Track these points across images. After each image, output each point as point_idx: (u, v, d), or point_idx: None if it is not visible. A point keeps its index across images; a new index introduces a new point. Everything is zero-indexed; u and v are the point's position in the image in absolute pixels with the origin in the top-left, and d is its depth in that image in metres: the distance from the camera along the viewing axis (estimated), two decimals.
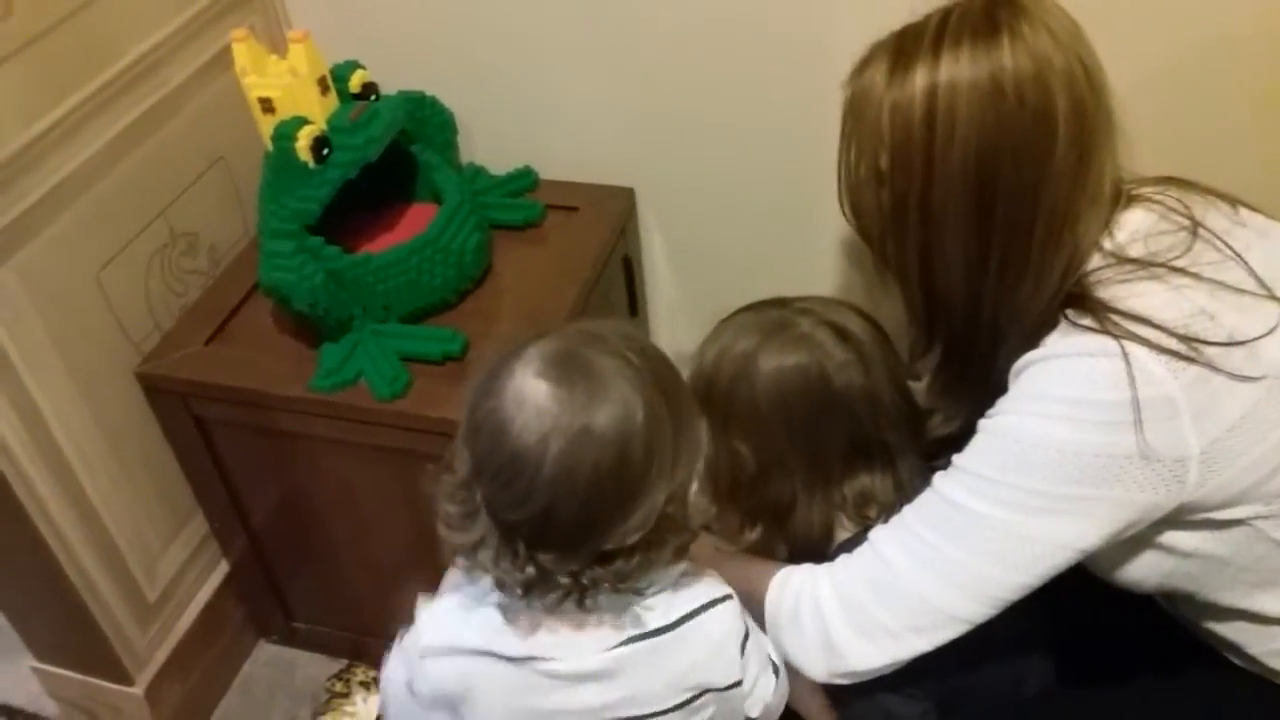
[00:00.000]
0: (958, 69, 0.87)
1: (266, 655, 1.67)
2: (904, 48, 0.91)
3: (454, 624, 0.90)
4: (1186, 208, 0.93)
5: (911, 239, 0.95)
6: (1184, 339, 0.85)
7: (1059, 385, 0.88)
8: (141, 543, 1.43)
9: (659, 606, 0.89)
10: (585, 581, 0.83)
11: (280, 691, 1.62)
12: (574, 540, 0.81)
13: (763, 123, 1.42)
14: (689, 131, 1.46)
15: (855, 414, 1.10)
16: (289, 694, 1.61)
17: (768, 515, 1.15)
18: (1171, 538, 0.93)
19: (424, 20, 1.47)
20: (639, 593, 0.88)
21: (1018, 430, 0.89)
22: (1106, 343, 0.86)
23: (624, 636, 0.88)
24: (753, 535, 1.15)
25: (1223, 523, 0.90)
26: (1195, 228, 0.92)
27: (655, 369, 0.84)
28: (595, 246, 1.44)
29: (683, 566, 0.91)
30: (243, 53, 1.24)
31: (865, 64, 0.94)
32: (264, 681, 1.64)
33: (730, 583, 1.07)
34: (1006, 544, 0.89)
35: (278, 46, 1.29)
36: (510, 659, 0.88)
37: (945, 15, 0.90)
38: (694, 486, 0.88)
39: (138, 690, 1.46)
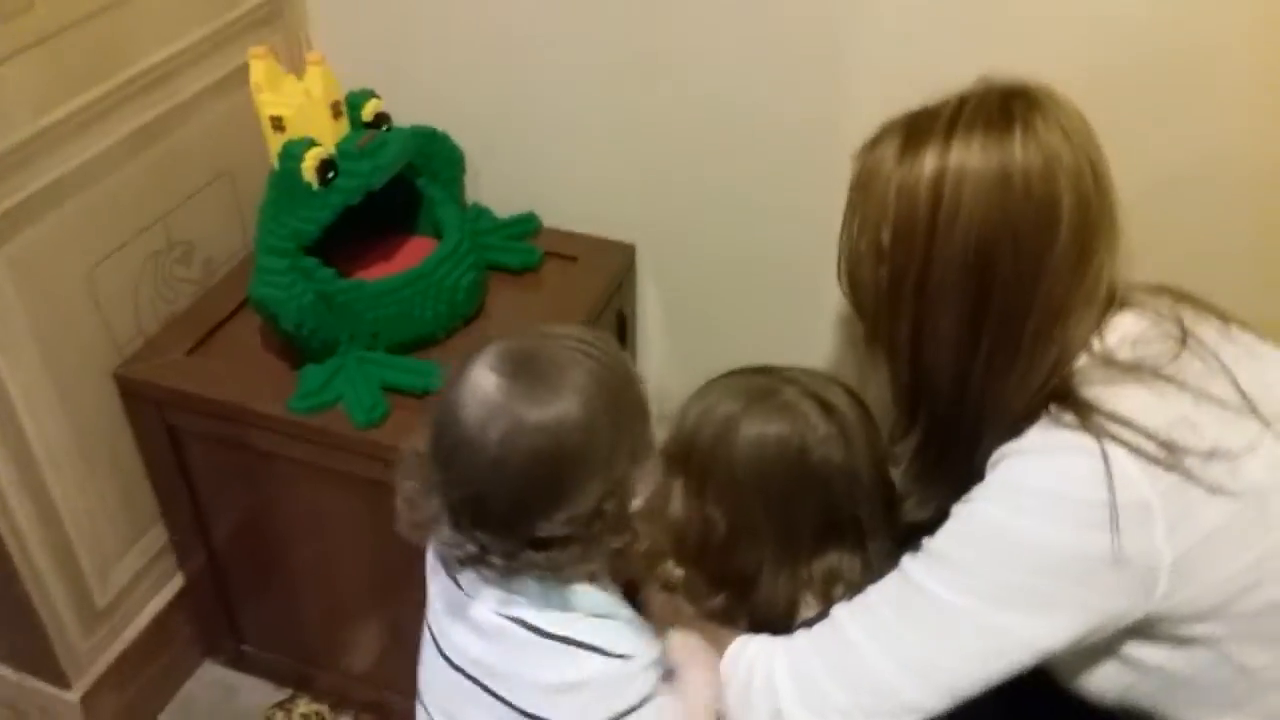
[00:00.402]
0: (968, 155, 0.88)
1: (211, 676, 1.63)
2: (916, 129, 0.92)
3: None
4: (1178, 317, 0.94)
5: (905, 316, 0.95)
6: (1164, 445, 0.84)
7: (1035, 478, 0.88)
8: (98, 546, 1.40)
9: (565, 620, 0.91)
10: (517, 563, 0.88)
11: (219, 715, 1.58)
12: (509, 522, 0.86)
13: (770, 195, 1.43)
14: (695, 195, 1.47)
15: (832, 490, 1.09)
16: (228, 717, 1.58)
17: (733, 583, 1.13)
18: (1135, 650, 0.92)
19: (445, 59, 1.49)
20: (567, 584, 0.91)
21: (990, 519, 0.88)
22: (1086, 441, 0.85)
23: (512, 614, 0.91)
24: (715, 602, 1.14)
25: (1188, 639, 0.89)
26: (1185, 337, 0.92)
27: (606, 366, 0.88)
28: (590, 298, 1.44)
29: (628, 612, 0.95)
30: (259, 69, 1.25)
31: (876, 141, 0.95)
32: (204, 702, 1.60)
33: (684, 646, 1.06)
34: (966, 634, 0.88)
35: (296, 68, 1.30)
36: (449, 576, 0.96)
37: (961, 102, 0.92)
38: (639, 488, 0.91)
39: (73, 696, 1.43)
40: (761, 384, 1.13)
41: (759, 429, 1.08)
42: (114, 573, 1.45)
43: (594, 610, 0.92)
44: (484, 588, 0.92)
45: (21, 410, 1.24)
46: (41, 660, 1.41)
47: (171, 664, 1.58)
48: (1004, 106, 0.90)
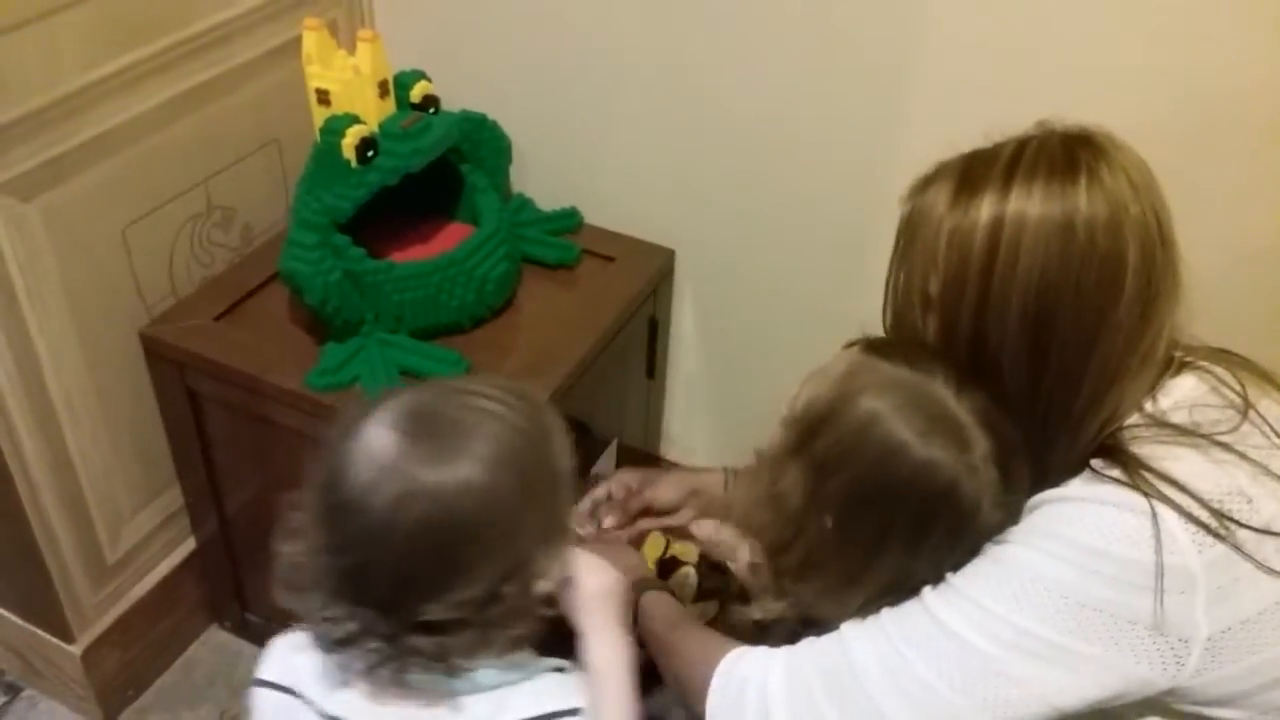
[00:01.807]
0: (1029, 203, 0.83)
1: (215, 641, 1.64)
2: (972, 173, 0.87)
3: (281, 659, 0.87)
4: (1240, 386, 0.89)
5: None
6: (1217, 514, 0.80)
7: (1075, 529, 0.83)
8: (112, 502, 1.41)
9: (486, 706, 0.81)
10: (401, 648, 0.78)
11: (220, 681, 1.59)
12: (392, 599, 0.77)
13: (818, 222, 1.40)
14: (740, 210, 1.45)
15: (952, 546, 0.89)
16: (227, 685, 1.58)
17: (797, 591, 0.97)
18: None
19: (501, 46, 1.47)
20: (456, 675, 0.80)
21: (1022, 564, 0.84)
22: (1135, 498, 0.81)
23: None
24: (774, 608, 0.99)
25: None
26: (1246, 408, 0.87)
27: (519, 430, 0.80)
28: (624, 300, 1.41)
29: (534, 660, 0.84)
30: (311, 41, 1.24)
31: (928, 183, 0.90)
32: (206, 667, 1.60)
33: (671, 648, 1.02)
34: (980, 678, 0.83)
35: (352, 44, 1.29)
36: (318, 711, 0.83)
37: (1021, 146, 0.87)
38: (548, 570, 0.82)
39: (76, 649, 1.44)
40: (914, 383, 0.90)
41: (925, 454, 0.86)
42: (126, 530, 1.45)
43: (507, 681, 0.82)
44: (370, 704, 0.81)
45: (44, 359, 1.24)
46: (47, 610, 1.42)
47: (177, 626, 1.58)
48: (1068, 153, 0.85)
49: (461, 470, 0.76)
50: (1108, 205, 0.83)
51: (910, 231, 0.91)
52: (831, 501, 0.89)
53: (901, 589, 0.89)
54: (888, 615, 0.90)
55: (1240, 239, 1.19)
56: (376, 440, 0.77)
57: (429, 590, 0.77)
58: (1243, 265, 1.19)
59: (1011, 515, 0.88)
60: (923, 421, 0.85)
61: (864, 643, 0.89)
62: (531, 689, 0.83)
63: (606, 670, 0.90)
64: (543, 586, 0.82)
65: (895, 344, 0.96)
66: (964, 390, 0.87)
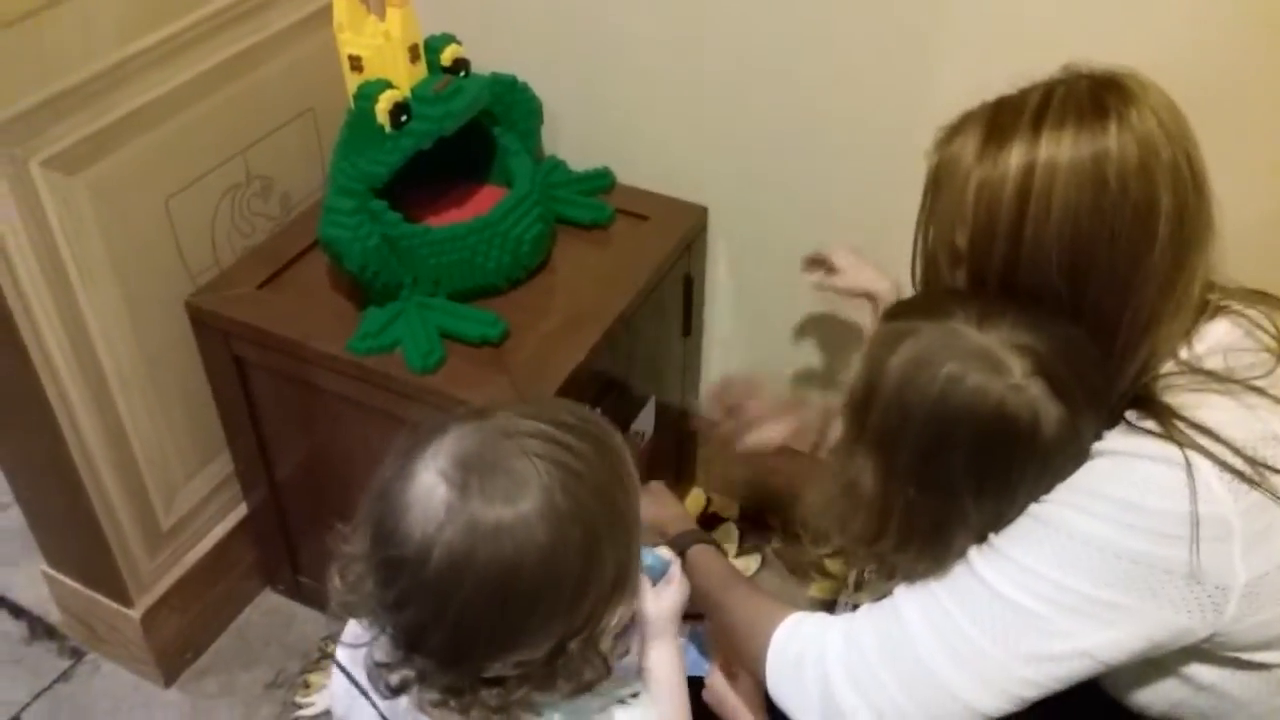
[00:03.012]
0: (1059, 150, 0.83)
1: (269, 604, 1.68)
2: (999, 122, 0.86)
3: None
4: (1276, 328, 0.88)
5: None
6: (1251, 461, 0.80)
7: (1112, 484, 0.83)
8: (165, 470, 1.44)
9: None
10: (461, 701, 0.76)
11: (275, 642, 1.63)
12: (452, 655, 0.74)
13: (851, 176, 1.39)
14: (774, 166, 1.44)
15: (1033, 476, 0.87)
16: (282, 646, 1.62)
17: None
18: (1191, 669, 0.88)
19: (530, 8, 1.47)
20: (531, 710, 0.78)
21: (1062, 523, 0.84)
22: (1170, 449, 0.81)
23: None
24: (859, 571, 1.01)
25: (1248, 664, 0.85)
26: None
27: (581, 477, 0.73)
28: (658, 258, 1.42)
29: (600, 700, 0.82)
30: (342, 8, 1.25)
31: (954, 133, 0.89)
32: (261, 629, 1.64)
33: (724, 608, 1.03)
34: (1025, 635, 0.85)
35: (381, 10, 1.30)
36: (380, 713, 0.84)
37: (1048, 93, 0.86)
38: (616, 618, 0.77)
39: (135, 613, 1.48)
40: (935, 330, 0.88)
41: (949, 385, 0.85)
42: (179, 497, 1.49)
43: (577, 713, 0.80)
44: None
45: (95, 332, 1.28)
46: (107, 576, 1.46)
47: (231, 590, 1.62)
48: (1096, 97, 0.84)
49: (523, 526, 0.71)
50: (1139, 151, 0.82)
51: (937, 184, 0.91)
52: (906, 471, 0.88)
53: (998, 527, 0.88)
54: (935, 580, 0.90)
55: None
56: (430, 493, 0.72)
57: (490, 650, 0.74)
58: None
59: (1078, 430, 0.85)
60: (954, 362, 0.84)
61: (914, 606, 0.90)
62: (616, 711, 0.83)
63: (665, 680, 0.93)
64: (609, 639, 0.78)
65: (908, 302, 0.97)
66: (986, 320, 0.85)
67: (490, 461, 0.73)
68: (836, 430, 0.97)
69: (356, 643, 0.82)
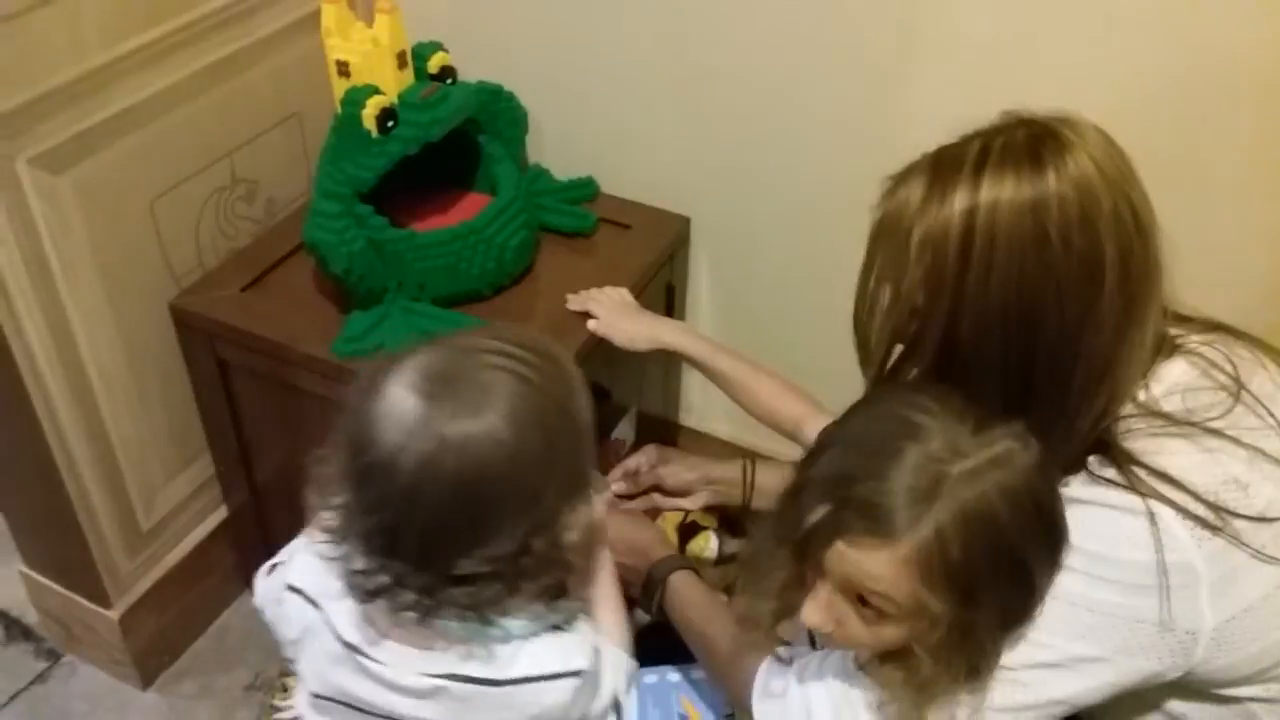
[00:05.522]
0: (999, 199, 0.81)
1: (248, 606, 1.66)
2: (941, 173, 0.85)
3: (312, 569, 0.89)
4: (1232, 366, 0.88)
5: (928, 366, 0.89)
6: (1213, 507, 0.80)
7: (1077, 535, 0.83)
8: (145, 471, 1.44)
9: (501, 655, 0.85)
10: (434, 601, 0.81)
11: (253, 645, 1.62)
12: (424, 555, 0.80)
13: (832, 188, 1.39)
14: (756, 178, 1.46)
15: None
16: (260, 649, 1.61)
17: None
18: (1170, 703, 0.89)
19: (516, 18, 1.49)
20: (490, 623, 0.84)
21: None
22: (1132, 499, 0.81)
23: (447, 670, 0.84)
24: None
25: (1227, 699, 0.86)
26: (1238, 390, 0.86)
27: (539, 388, 0.80)
28: (640, 267, 1.43)
29: (559, 615, 0.88)
30: (330, 14, 1.26)
31: (898, 184, 0.88)
32: (239, 632, 1.64)
33: (707, 642, 1.04)
34: (999, 688, 0.85)
35: (369, 16, 1.31)
36: (339, 638, 0.87)
37: (986, 145, 0.84)
38: (574, 523, 0.84)
39: (113, 614, 1.47)
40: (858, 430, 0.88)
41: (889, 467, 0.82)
42: (159, 498, 1.49)
43: (526, 632, 0.86)
44: (389, 646, 0.85)
45: (79, 331, 1.28)
46: (85, 577, 1.45)
47: (210, 592, 1.62)
48: (1033, 151, 0.82)
49: (486, 431, 0.77)
50: (1079, 201, 0.81)
51: (880, 236, 0.90)
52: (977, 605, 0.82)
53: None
54: None
55: (1244, 210, 1.19)
56: (400, 403, 0.78)
57: (460, 546, 0.79)
58: (1245, 232, 1.20)
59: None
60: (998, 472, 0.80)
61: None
62: (541, 650, 0.86)
63: (603, 598, 1.00)
64: (570, 538, 0.84)
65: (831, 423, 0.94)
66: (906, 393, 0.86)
67: (456, 374, 0.80)
68: (767, 479, 0.98)
69: (323, 555, 0.85)
